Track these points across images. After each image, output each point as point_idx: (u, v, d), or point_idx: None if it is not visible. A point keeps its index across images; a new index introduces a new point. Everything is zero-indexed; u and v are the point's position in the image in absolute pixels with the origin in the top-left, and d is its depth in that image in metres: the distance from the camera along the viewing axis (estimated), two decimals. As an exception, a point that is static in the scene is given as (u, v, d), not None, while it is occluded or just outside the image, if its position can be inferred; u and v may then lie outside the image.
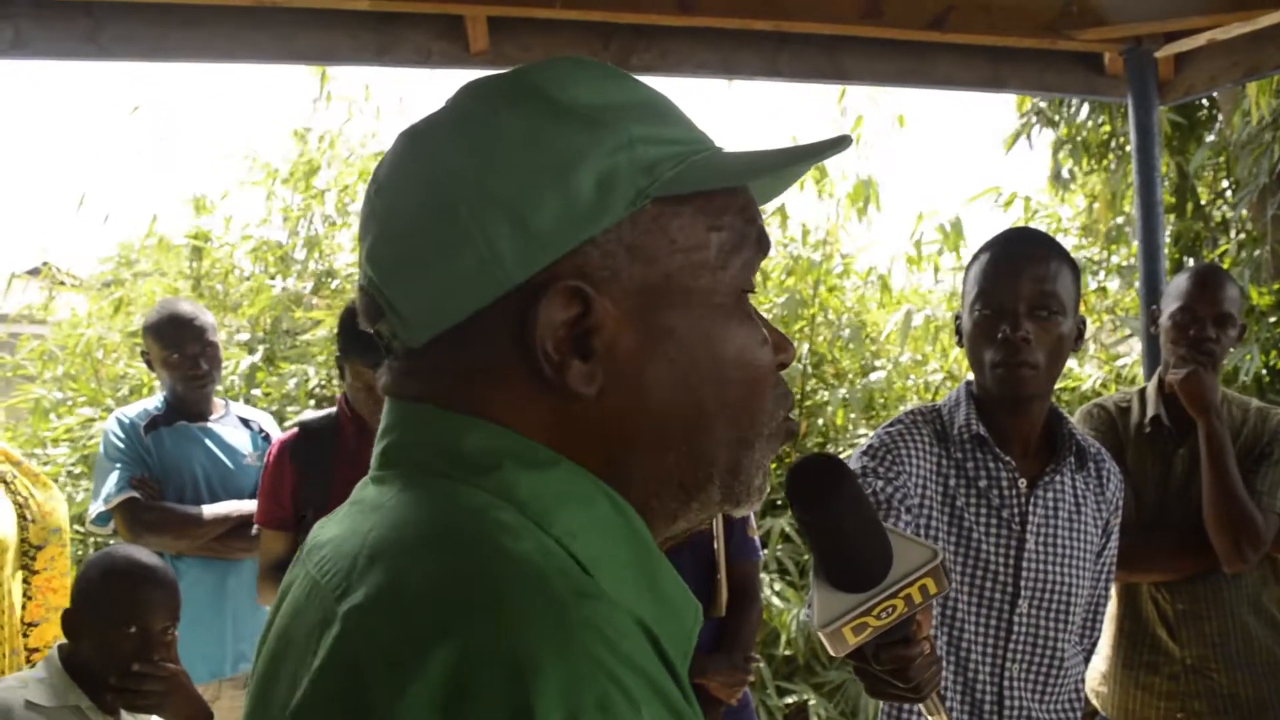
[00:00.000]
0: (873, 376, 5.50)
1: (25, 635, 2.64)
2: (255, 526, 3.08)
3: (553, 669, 0.58)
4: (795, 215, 5.95)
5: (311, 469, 2.74)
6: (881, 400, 5.56)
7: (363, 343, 2.61)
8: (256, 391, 5.58)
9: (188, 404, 3.20)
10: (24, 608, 2.66)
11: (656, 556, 0.73)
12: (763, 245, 0.78)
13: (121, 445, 3.10)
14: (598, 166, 0.71)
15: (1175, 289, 2.68)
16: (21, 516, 2.70)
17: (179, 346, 3.14)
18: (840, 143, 0.79)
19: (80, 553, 4.70)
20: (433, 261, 0.71)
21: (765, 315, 0.81)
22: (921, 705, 1.40)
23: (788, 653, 4.85)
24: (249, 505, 3.11)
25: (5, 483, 2.71)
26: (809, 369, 5.53)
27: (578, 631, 0.60)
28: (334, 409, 2.87)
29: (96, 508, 3.05)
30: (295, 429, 2.87)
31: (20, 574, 2.70)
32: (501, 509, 0.68)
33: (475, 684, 0.57)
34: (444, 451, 0.72)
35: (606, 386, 0.72)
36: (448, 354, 0.73)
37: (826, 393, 5.50)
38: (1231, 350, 2.74)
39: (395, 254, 0.73)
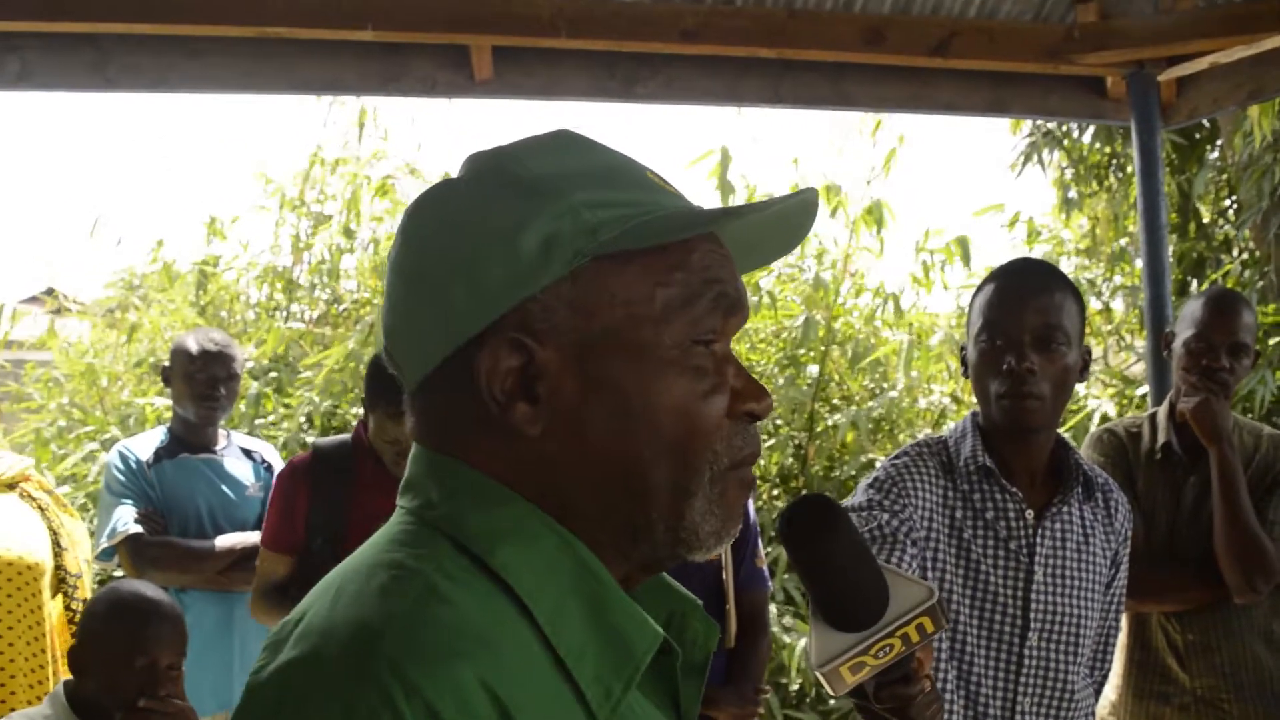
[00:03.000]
0: (874, 403, 5.48)
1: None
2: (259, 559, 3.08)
3: (342, 695, 0.68)
4: (812, 237, 5.95)
5: (324, 495, 2.73)
6: (887, 426, 5.54)
7: (385, 394, 2.62)
8: (261, 421, 5.57)
9: (192, 432, 3.21)
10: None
11: (606, 589, 0.78)
12: (721, 303, 0.82)
13: (124, 479, 3.10)
14: (542, 230, 0.78)
15: (1190, 315, 2.65)
16: (56, 543, 2.78)
17: (207, 367, 3.17)
18: (798, 196, 0.84)
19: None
20: (408, 317, 0.82)
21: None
22: None
23: (797, 683, 4.83)
24: (254, 537, 3.11)
25: (42, 509, 2.80)
26: (817, 392, 5.52)
27: (380, 665, 0.69)
28: (347, 436, 2.87)
29: (100, 543, 3.04)
30: (309, 452, 2.86)
31: (61, 599, 2.77)
32: (421, 557, 0.76)
33: (293, 695, 0.70)
34: (423, 489, 0.81)
35: (550, 429, 0.79)
36: (428, 399, 0.83)
37: (835, 415, 5.48)
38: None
39: (390, 309, 0.84)
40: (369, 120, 6.57)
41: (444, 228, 0.82)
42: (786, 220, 0.87)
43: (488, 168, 0.83)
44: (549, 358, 0.78)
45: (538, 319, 0.78)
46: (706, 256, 0.82)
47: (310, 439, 5.43)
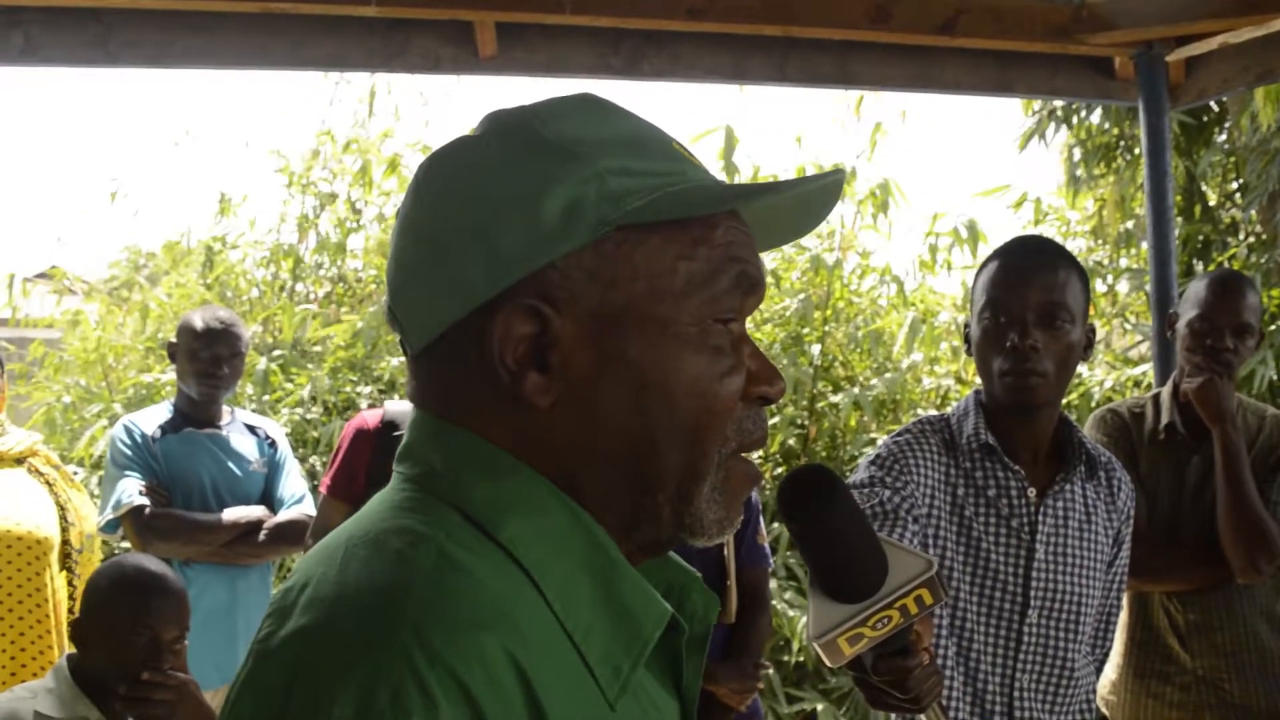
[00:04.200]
0: (876, 381, 5.47)
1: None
2: (263, 533, 3.10)
3: (363, 664, 0.65)
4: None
5: (386, 454, 2.77)
6: (892, 404, 5.54)
7: None
8: (267, 398, 5.57)
9: (197, 408, 3.22)
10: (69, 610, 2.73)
11: (615, 564, 0.76)
12: (743, 282, 0.80)
13: (130, 453, 3.11)
14: (566, 195, 0.75)
15: (1194, 295, 2.64)
16: (63, 518, 2.81)
17: (210, 345, 3.17)
18: (827, 177, 0.81)
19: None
20: (418, 277, 0.79)
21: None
22: (922, 716, 1.39)
23: (798, 659, 4.84)
24: (258, 511, 3.13)
25: (49, 484, 2.83)
26: (819, 371, 5.52)
27: (403, 635, 0.66)
28: None
29: (105, 515, 3.06)
30: (380, 413, 2.94)
31: (64, 574, 2.79)
32: (431, 523, 0.74)
33: (308, 663, 0.67)
34: (423, 457, 0.79)
35: (561, 401, 0.76)
36: (434, 364, 0.79)
37: (838, 395, 5.48)
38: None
39: (397, 268, 0.81)
40: (378, 97, 6.56)
41: (461, 187, 0.78)
42: (810, 200, 0.84)
43: (511, 127, 0.80)
44: (565, 327, 0.76)
45: (556, 287, 0.75)
46: (730, 233, 0.79)
47: (312, 417, 5.44)
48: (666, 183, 0.77)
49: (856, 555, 1.12)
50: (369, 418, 2.93)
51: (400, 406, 2.96)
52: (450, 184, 0.79)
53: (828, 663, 1.17)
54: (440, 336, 0.78)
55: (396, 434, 2.82)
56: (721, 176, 5.47)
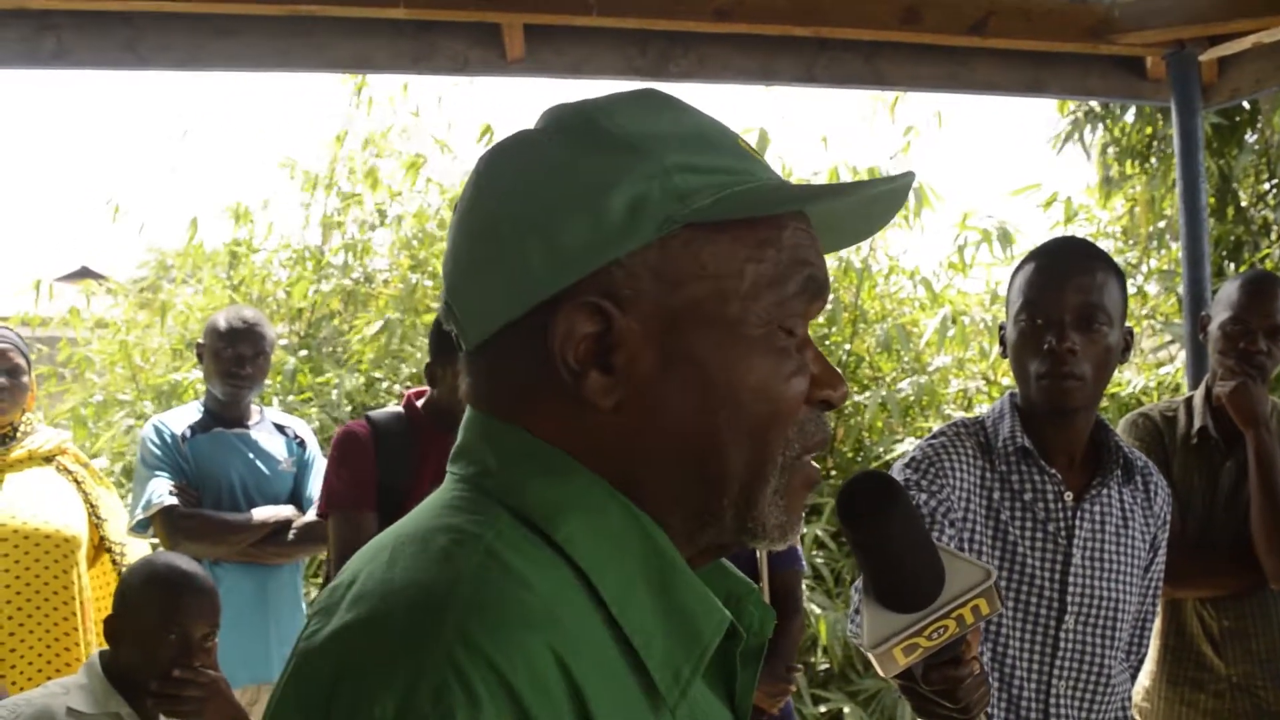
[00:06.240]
0: (904, 385, 5.44)
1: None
2: (292, 532, 3.11)
3: (405, 661, 0.65)
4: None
5: (390, 459, 2.70)
6: (919, 407, 5.51)
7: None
8: (293, 398, 5.60)
9: (225, 408, 3.23)
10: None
11: (674, 567, 0.74)
12: (810, 286, 0.78)
13: (159, 452, 3.13)
14: (630, 191, 0.74)
15: (1226, 297, 2.61)
16: (95, 514, 2.85)
17: (234, 344, 3.19)
18: (898, 180, 0.80)
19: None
20: (477, 273, 0.77)
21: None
22: None
23: (824, 661, 4.82)
24: (287, 511, 3.14)
25: (78, 482, 2.87)
26: (847, 373, 5.49)
27: (446, 632, 0.65)
28: (398, 407, 2.87)
29: (135, 515, 3.08)
30: (363, 421, 2.83)
31: (110, 567, 2.85)
32: (480, 523, 0.72)
33: (353, 661, 0.66)
34: (477, 456, 0.77)
35: (624, 402, 0.75)
36: (491, 361, 0.78)
37: (863, 396, 5.45)
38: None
39: (454, 264, 0.80)
40: (395, 98, 6.57)
41: (522, 182, 0.76)
42: (877, 202, 0.82)
43: (574, 121, 0.78)
44: (629, 326, 0.74)
45: (620, 285, 0.74)
46: (797, 235, 0.78)
47: (340, 415, 5.46)
48: (734, 181, 0.76)
49: (915, 564, 1.10)
50: (357, 427, 2.80)
51: (382, 413, 2.85)
52: (511, 179, 0.78)
53: (881, 673, 1.15)
54: (497, 333, 0.77)
55: (390, 437, 2.72)
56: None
